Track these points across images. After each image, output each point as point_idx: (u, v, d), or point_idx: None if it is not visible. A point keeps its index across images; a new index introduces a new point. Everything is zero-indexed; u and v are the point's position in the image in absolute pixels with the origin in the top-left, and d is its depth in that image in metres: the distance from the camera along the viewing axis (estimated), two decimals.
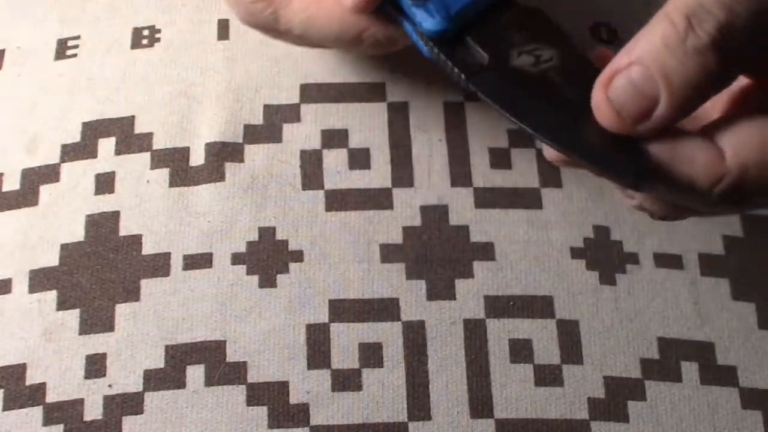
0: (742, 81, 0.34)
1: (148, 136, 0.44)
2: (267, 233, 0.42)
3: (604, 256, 0.42)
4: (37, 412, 0.39)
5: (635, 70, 0.30)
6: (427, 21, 0.34)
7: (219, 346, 0.40)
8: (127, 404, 0.39)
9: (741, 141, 0.31)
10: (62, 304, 0.41)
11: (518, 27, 0.34)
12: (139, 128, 0.44)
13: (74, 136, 0.44)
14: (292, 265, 0.41)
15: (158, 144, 0.44)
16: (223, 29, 0.47)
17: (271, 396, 0.39)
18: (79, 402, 0.39)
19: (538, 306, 0.41)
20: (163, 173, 0.43)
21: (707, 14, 0.29)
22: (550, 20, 0.34)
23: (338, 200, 0.43)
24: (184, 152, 0.44)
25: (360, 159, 0.44)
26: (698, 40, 0.29)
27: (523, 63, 0.33)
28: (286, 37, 0.40)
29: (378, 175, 0.43)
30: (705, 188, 0.31)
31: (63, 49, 0.46)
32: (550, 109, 0.32)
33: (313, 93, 0.45)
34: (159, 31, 0.47)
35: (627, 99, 0.30)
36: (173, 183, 0.43)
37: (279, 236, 0.42)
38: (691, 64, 0.29)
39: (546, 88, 0.32)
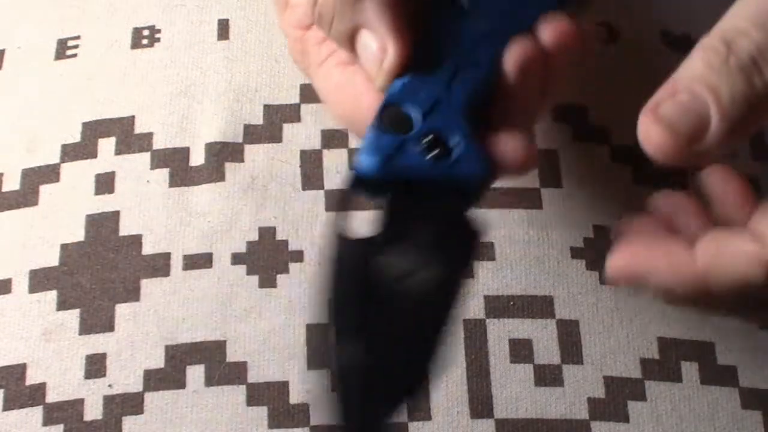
0: None
1: (148, 136, 0.44)
2: (267, 233, 0.42)
3: (604, 256, 0.42)
4: (37, 412, 0.39)
5: (682, 95, 0.30)
6: (363, 156, 0.32)
7: (219, 346, 0.40)
8: (127, 404, 0.39)
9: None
10: (62, 304, 0.41)
11: (429, 223, 0.31)
12: (139, 128, 0.44)
13: (74, 136, 0.44)
14: (292, 265, 0.41)
15: (158, 144, 0.44)
16: (223, 29, 0.47)
17: (271, 396, 0.39)
18: (79, 402, 0.39)
19: (538, 306, 0.41)
20: (163, 173, 0.43)
21: (744, 36, 0.30)
22: (471, 243, 0.32)
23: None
24: (184, 152, 0.44)
25: None
26: (739, 59, 0.30)
27: (390, 265, 0.30)
28: None
29: None
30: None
31: (63, 49, 0.46)
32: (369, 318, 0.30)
33: (313, 93, 0.45)
34: (159, 31, 0.47)
35: (678, 119, 0.30)
36: (173, 183, 0.43)
37: (279, 236, 0.42)
38: (736, 80, 0.30)
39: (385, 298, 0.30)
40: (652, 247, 0.32)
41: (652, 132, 0.30)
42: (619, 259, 0.32)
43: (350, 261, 0.31)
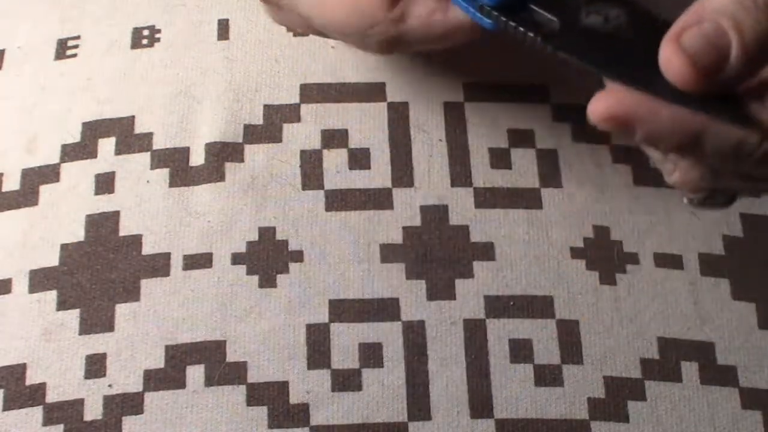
0: None
1: (148, 136, 0.44)
2: (267, 233, 0.42)
3: (604, 256, 0.42)
4: (37, 412, 0.39)
5: (706, 25, 0.30)
6: None
7: (219, 346, 0.40)
8: (127, 404, 0.39)
9: None
10: (62, 304, 0.41)
11: None
12: (139, 128, 0.44)
13: (74, 136, 0.44)
14: (292, 265, 0.41)
15: (158, 144, 0.44)
16: (223, 29, 0.47)
17: (271, 396, 0.39)
18: (79, 402, 0.39)
19: (538, 306, 0.41)
20: (163, 173, 0.43)
21: None
22: None
23: (338, 200, 0.43)
24: (184, 152, 0.44)
25: (360, 159, 0.44)
26: None
27: (593, 22, 0.33)
28: (290, 16, 0.39)
29: (378, 175, 0.43)
30: None
31: (63, 49, 0.46)
32: (632, 62, 0.32)
33: (313, 93, 0.45)
34: (159, 31, 0.47)
35: (700, 50, 0.30)
36: (173, 183, 0.43)
37: (279, 236, 0.42)
38: (762, 20, 0.30)
39: (620, 45, 0.33)
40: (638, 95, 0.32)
41: (674, 61, 0.30)
42: (602, 103, 0.32)
43: (580, 38, 0.33)
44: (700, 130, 0.31)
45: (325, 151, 0.44)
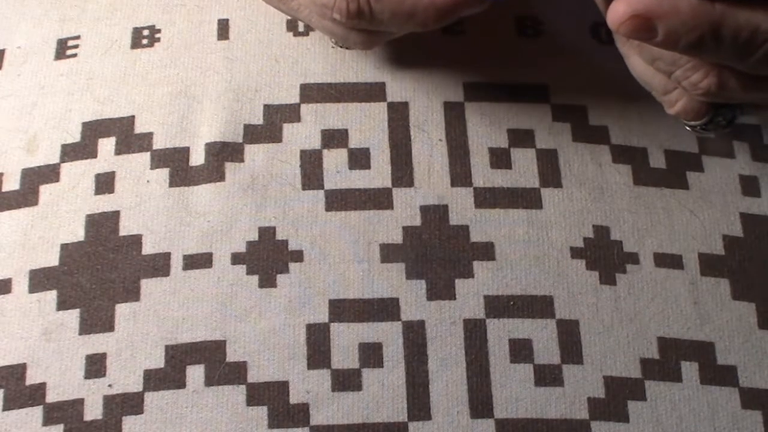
0: None
1: (148, 136, 0.44)
2: (267, 233, 0.42)
3: (604, 256, 0.42)
4: (37, 412, 0.39)
5: None
6: None
7: (219, 346, 0.40)
8: (127, 404, 0.39)
9: None
10: (62, 304, 0.41)
11: None
12: (139, 128, 0.44)
13: (74, 136, 0.44)
14: (292, 265, 0.41)
15: (158, 144, 0.44)
16: (223, 29, 0.47)
17: (271, 396, 0.39)
18: (79, 402, 0.39)
19: (538, 306, 0.41)
20: (163, 173, 0.43)
21: None
22: None
23: (338, 200, 0.43)
24: (184, 152, 0.44)
25: (360, 159, 0.44)
26: None
27: None
28: None
29: (378, 175, 0.43)
30: None
31: (63, 49, 0.46)
32: None
33: (313, 93, 0.45)
34: (159, 31, 0.47)
35: None
36: (173, 183, 0.43)
37: (279, 236, 0.42)
38: None
39: None
40: None
41: None
42: (623, 5, 0.32)
43: None
44: (719, 21, 0.32)
45: (325, 151, 0.44)
